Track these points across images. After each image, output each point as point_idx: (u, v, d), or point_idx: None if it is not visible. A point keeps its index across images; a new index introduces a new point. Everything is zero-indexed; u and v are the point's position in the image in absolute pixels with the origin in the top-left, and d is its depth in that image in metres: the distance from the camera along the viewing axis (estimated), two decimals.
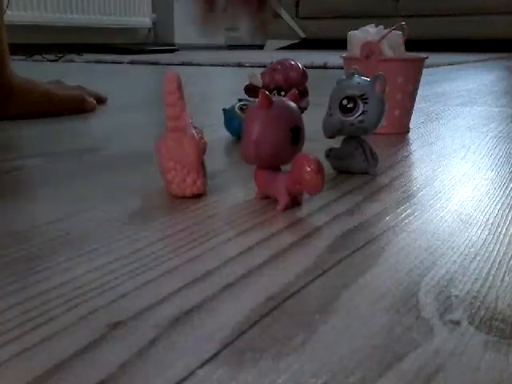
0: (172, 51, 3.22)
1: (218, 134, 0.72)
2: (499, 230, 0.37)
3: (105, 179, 0.49)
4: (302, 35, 4.28)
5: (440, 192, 0.45)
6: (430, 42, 3.72)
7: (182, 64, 2.21)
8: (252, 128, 0.40)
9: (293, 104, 0.42)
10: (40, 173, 0.51)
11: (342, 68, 0.83)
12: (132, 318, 0.25)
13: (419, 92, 0.77)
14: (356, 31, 0.75)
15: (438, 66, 2.19)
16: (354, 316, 0.25)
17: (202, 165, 0.43)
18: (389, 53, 0.72)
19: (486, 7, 3.30)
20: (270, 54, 2.93)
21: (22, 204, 0.42)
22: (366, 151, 0.50)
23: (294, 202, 0.41)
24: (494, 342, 0.23)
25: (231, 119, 0.67)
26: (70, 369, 0.21)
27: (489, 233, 0.36)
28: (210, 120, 0.84)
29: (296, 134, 0.40)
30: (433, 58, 2.65)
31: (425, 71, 0.79)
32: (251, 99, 0.66)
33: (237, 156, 0.59)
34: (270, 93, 0.61)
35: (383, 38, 0.70)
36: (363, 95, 0.48)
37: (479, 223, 0.38)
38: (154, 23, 3.71)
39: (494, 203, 0.43)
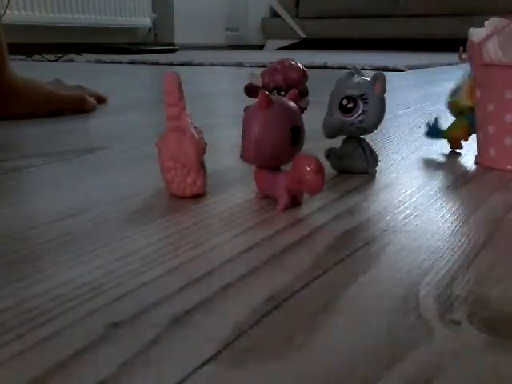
0: (172, 51, 3.22)
1: (218, 133, 0.72)
2: (500, 229, 0.37)
3: (105, 179, 0.49)
4: (302, 35, 4.28)
5: (440, 192, 0.45)
6: (430, 41, 3.72)
7: (182, 64, 2.21)
8: (252, 128, 0.40)
9: (293, 104, 0.42)
10: (40, 173, 0.51)
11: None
12: (132, 317, 0.25)
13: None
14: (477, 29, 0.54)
15: (438, 65, 2.19)
16: (354, 316, 0.25)
17: (201, 165, 0.43)
18: (500, 55, 0.51)
19: (486, 7, 3.31)
20: (270, 54, 2.93)
21: (22, 204, 0.42)
22: (366, 151, 0.50)
23: (294, 202, 0.41)
24: (494, 341, 0.23)
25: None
26: (70, 369, 0.21)
27: (489, 232, 0.36)
28: (210, 120, 0.84)
29: (296, 134, 0.40)
30: (433, 57, 2.65)
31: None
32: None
33: (237, 156, 0.59)
34: (270, 93, 0.61)
35: (492, 35, 0.51)
36: (363, 95, 0.48)
37: (479, 223, 0.38)
38: (153, 23, 3.71)
39: (495, 203, 0.42)
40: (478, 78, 0.54)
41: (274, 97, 0.41)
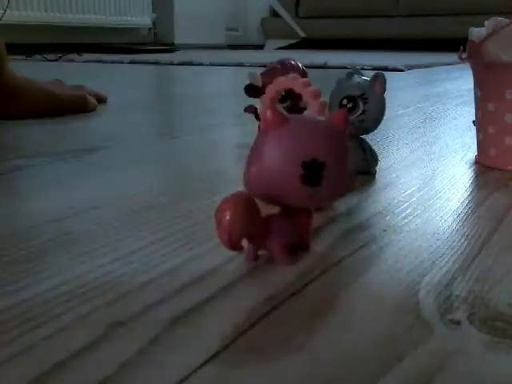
0: (172, 51, 3.22)
1: (218, 133, 0.72)
2: (500, 229, 0.37)
3: (105, 179, 0.49)
4: (302, 35, 4.28)
5: (440, 192, 0.45)
6: (430, 41, 3.72)
7: (182, 64, 2.21)
8: (252, 154, 0.31)
9: (318, 124, 0.31)
10: (40, 173, 0.51)
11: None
12: (132, 317, 0.25)
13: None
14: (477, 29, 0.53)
15: (438, 65, 2.19)
16: (354, 316, 0.25)
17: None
18: (500, 55, 0.50)
19: (486, 7, 3.30)
20: (270, 54, 2.93)
21: (22, 204, 0.42)
22: (366, 151, 0.50)
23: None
24: (494, 341, 0.23)
25: None
26: (70, 369, 0.21)
27: (489, 232, 0.36)
28: (210, 120, 0.84)
29: (311, 171, 0.29)
30: (433, 57, 2.65)
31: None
32: None
33: (237, 156, 0.59)
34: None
35: (492, 35, 0.50)
36: (363, 95, 0.48)
37: (479, 223, 0.38)
38: (154, 23, 3.71)
39: (495, 203, 0.42)
40: (478, 78, 0.54)
41: (292, 115, 0.31)
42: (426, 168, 0.53)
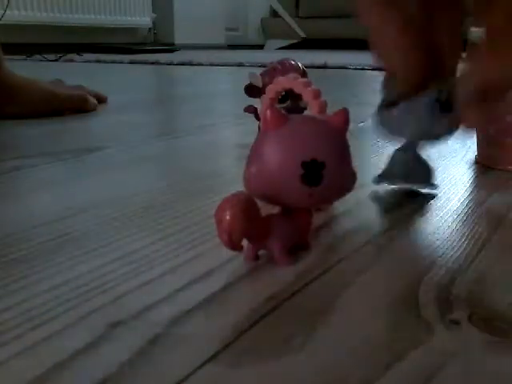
0: (172, 51, 3.22)
1: (218, 133, 0.72)
2: (500, 229, 0.37)
3: (104, 179, 0.49)
4: (302, 35, 4.27)
5: (440, 192, 0.45)
6: None
7: (182, 64, 2.21)
8: (252, 154, 0.31)
9: (320, 125, 0.31)
10: (40, 173, 0.51)
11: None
12: (132, 318, 0.25)
13: None
14: None
15: None
16: (354, 316, 0.25)
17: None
18: None
19: None
20: (270, 54, 2.93)
21: (22, 204, 0.42)
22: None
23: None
24: (494, 341, 0.23)
25: None
26: (70, 369, 0.21)
27: (489, 232, 0.36)
28: (210, 120, 0.84)
29: (311, 171, 0.29)
30: None
31: None
32: None
33: (237, 156, 0.59)
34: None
35: None
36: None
37: (479, 223, 0.38)
38: (154, 23, 3.71)
39: (495, 203, 0.42)
40: None
41: (292, 115, 0.31)
42: None
